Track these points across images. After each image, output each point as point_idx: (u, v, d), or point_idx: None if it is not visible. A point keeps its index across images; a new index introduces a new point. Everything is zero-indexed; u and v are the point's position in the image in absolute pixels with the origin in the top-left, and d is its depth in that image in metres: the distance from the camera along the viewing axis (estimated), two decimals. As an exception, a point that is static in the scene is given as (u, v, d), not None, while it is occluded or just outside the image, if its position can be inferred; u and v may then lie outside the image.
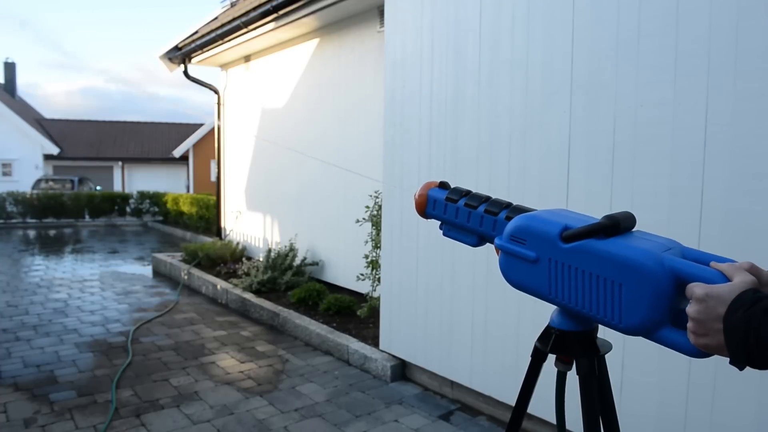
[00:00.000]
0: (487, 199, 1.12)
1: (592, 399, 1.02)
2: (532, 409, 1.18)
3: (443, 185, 1.21)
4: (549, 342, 1.07)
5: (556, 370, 1.11)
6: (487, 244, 1.14)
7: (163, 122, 32.51)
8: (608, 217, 0.92)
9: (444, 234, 1.20)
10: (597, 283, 0.91)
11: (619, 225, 0.92)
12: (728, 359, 0.76)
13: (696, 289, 0.79)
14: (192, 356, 4.27)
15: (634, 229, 0.98)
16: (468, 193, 1.16)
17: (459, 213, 1.14)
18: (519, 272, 1.01)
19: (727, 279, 0.80)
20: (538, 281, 0.99)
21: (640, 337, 0.90)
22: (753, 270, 0.81)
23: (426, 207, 1.21)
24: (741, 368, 0.76)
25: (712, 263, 0.85)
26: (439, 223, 1.22)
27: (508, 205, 1.09)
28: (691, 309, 0.79)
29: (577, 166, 2.63)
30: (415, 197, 1.22)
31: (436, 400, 3.47)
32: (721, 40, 2.10)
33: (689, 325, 0.79)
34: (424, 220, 1.25)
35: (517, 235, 1.01)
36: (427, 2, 3.42)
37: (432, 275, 3.46)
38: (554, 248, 0.96)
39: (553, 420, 2.74)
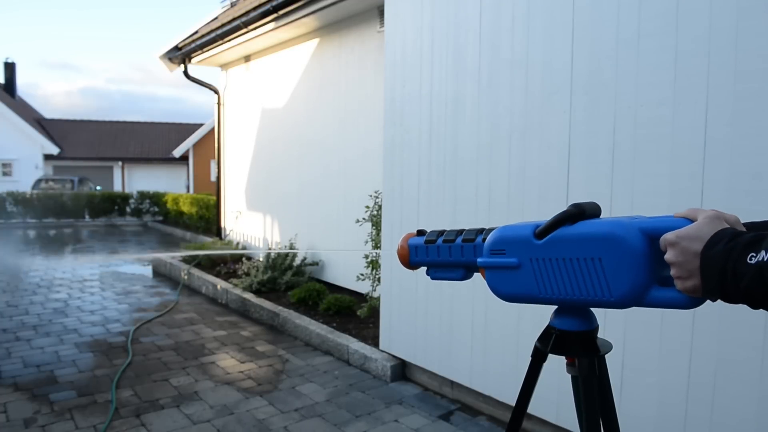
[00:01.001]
0: (462, 231, 1.18)
1: (593, 399, 1.02)
2: (532, 409, 1.18)
3: (420, 232, 1.26)
4: (549, 342, 1.08)
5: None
6: (474, 276, 1.18)
7: (163, 122, 32.52)
8: (574, 205, 0.97)
9: (432, 278, 1.25)
10: (579, 265, 0.95)
11: (584, 211, 0.97)
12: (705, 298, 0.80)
13: (667, 236, 0.83)
14: (192, 356, 4.27)
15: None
16: (443, 232, 1.21)
17: (440, 251, 1.19)
18: (507, 283, 1.05)
19: (691, 222, 0.84)
20: (527, 285, 1.02)
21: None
22: (719, 214, 0.85)
23: (409, 256, 1.25)
24: (713, 299, 0.79)
25: (675, 213, 0.89)
26: (425, 269, 1.26)
27: (482, 230, 1.14)
28: (668, 255, 0.83)
29: (577, 166, 2.63)
30: (398, 250, 1.26)
31: (436, 400, 3.47)
32: (721, 40, 2.10)
33: (672, 271, 0.83)
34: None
35: (496, 247, 1.05)
36: (427, 2, 3.42)
37: (432, 275, 3.46)
38: (532, 247, 1.00)
39: (553, 420, 2.75)
